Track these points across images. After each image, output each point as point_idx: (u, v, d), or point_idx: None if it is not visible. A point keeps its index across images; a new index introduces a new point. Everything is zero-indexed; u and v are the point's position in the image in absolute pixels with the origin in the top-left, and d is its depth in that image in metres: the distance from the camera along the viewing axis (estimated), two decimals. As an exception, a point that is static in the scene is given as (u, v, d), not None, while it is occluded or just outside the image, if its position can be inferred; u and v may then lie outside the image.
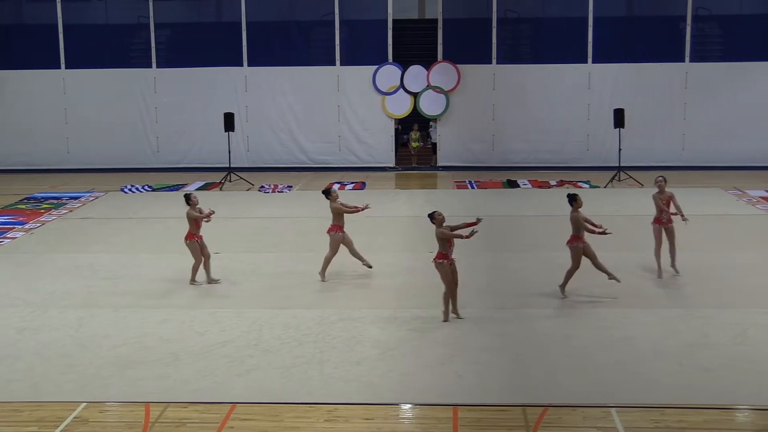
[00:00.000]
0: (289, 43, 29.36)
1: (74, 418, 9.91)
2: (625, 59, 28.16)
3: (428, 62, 28.62)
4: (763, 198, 22.52)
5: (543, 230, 19.05)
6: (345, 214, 15.55)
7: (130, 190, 25.20)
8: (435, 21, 28.90)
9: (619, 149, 25.77)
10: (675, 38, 28.21)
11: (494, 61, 28.54)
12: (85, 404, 10.25)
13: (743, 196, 22.59)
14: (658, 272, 15.13)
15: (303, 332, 12.55)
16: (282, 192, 24.75)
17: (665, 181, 15.28)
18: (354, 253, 15.59)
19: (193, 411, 10.03)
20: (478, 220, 12.94)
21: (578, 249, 13.77)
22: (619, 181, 25.36)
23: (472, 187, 25.23)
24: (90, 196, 24.25)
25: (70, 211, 22.18)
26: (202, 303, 14.10)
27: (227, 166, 26.39)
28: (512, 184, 25.63)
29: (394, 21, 28.67)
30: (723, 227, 16.89)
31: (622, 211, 20.71)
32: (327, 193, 15.84)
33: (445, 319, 12.95)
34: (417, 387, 10.63)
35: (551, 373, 10.98)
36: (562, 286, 14.01)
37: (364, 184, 25.93)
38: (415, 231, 19.23)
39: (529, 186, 25.24)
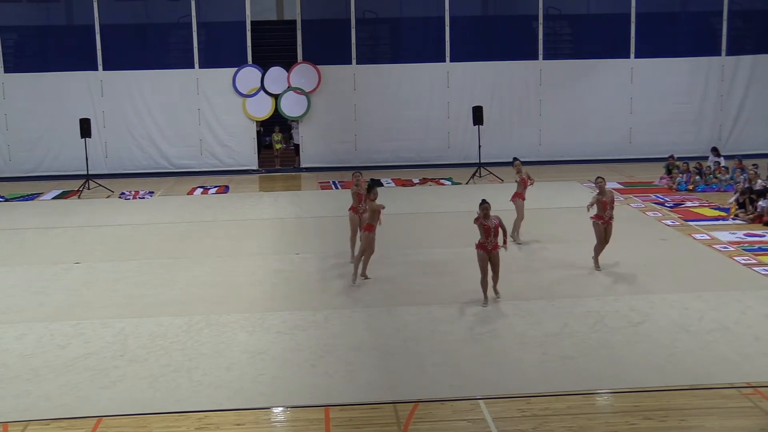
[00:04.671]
0: (146, 46, 28.77)
1: (-73, 443, 9.44)
2: (482, 58, 28.83)
3: (288, 63, 28.52)
4: (616, 190, 23.41)
5: (406, 228, 19.25)
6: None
7: (-19, 201, 24.14)
8: (294, 22, 28.82)
9: (479, 146, 26.36)
10: (528, 37, 29.06)
11: (354, 61, 28.70)
12: (-62, 427, 9.77)
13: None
14: (595, 265, 15.43)
15: (170, 340, 12.31)
16: (143, 198, 24.18)
17: (605, 182, 15.62)
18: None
19: (56, 428, 9.68)
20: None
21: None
22: (480, 177, 25.90)
23: (336, 188, 25.28)
24: (-62, 208, 23.11)
25: None
26: (63, 315, 13.61)
27: (85, 173, 25.59)
28: (376, 183, 25.76)
29: (253, 22, 28.44)
30: (580, 219, 17.49)
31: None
32: (369, 188, 15.38)
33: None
34: (288, 389, 10.59)
35: (420, 369, 11.12)
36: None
37: (227, 187, 25.63)
38: (281, 233, 19.17)
39: (393, 185, 25.48)
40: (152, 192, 24.94)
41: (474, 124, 26.57)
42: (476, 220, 13.53)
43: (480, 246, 13.50)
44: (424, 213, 20.69)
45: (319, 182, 26.31)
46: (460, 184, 25.32)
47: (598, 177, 15.76)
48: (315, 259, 16.71)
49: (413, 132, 28.67)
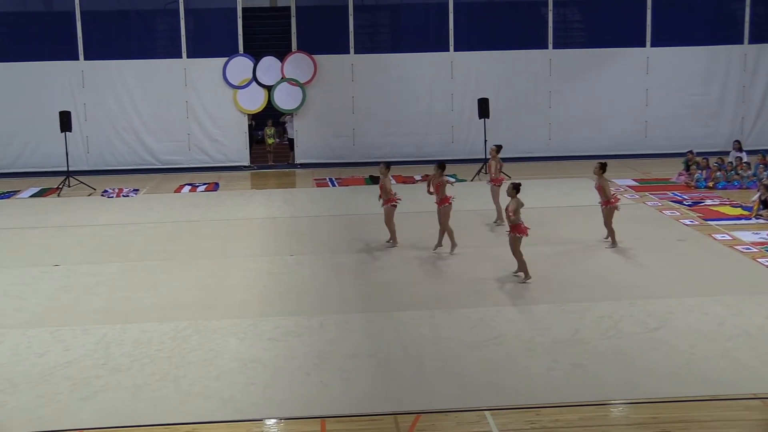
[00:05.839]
0: (130, 34, 28.72)
1: None
2: (487, 47, 28.79)
3: (282, 53, 28.49)
4: (630, 187, 23.44)
5: (407, 228, 19.21)
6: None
7: (-46, 199, 24.12)
8: (288, 9, 28.79)
9: (485, 141, 26.32)
10: (537, 24, 29.04)
11: (352, 50, 28.68)
12: None
13: (611, 186, 23.36)
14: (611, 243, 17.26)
15: (156, 347, 12.27)
16: (127, 196, 24.17)
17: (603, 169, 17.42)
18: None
19: (34, 441, 9.67)
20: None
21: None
22: (486, 173, 25.83)
23: (333, 185, 25.28)
24: None
25: None
26: (41, 321, 13.58)
27: (65, 169, 25.56)
28: (375, 180, 25.73)
29: (244, 9, 28.42)
30: (592, 218, 17.49)
31: (489, 205, 21.11)
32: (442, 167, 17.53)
33: None
34: (281, 399, 10.56)
35: (422, 378, 11.08)
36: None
37: (217, 185, 25.61)
38: (274, 234, 19.14)
39: (393, 182, 25.32)
40: (137, 190, 24.94)
41: (479, 118, 26.57)
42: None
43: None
44: (426, 212, 20.62)
45: (315, 179, 26.29)
46: (464, 181, 25.29)
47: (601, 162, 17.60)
48: (310, 260, 16.68)
49: (415, 126, 28.63)
